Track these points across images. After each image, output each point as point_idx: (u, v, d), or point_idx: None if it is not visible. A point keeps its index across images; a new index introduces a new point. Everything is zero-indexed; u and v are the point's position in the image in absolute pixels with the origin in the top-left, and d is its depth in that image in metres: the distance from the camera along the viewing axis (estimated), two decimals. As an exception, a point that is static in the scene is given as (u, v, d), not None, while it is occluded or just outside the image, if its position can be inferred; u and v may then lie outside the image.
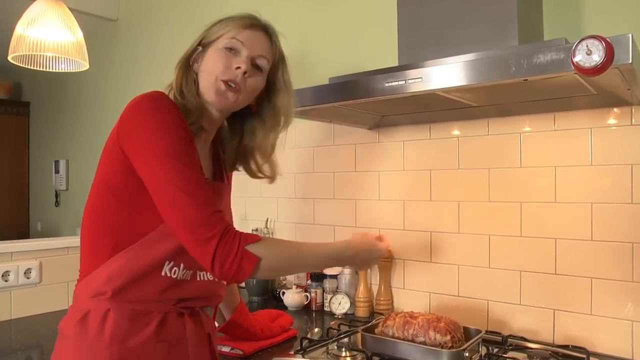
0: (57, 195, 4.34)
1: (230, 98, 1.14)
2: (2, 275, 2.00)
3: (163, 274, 1.09)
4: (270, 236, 2.29)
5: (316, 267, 1.21)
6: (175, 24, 3.02)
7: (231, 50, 1.14)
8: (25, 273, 2.07)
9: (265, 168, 1.30)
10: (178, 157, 1.01)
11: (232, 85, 1.13)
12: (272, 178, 1.32)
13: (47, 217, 4.57)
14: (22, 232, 4.86)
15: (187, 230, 0.99)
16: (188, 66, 1.18)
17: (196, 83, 1.16)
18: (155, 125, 1.03)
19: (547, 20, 1.57)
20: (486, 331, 1.49)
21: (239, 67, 1.12)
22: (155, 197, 1.02)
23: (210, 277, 1.19)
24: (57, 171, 4.24)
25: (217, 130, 1.26)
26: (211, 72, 1.13)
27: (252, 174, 1.32)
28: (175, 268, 1.11)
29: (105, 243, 1.08)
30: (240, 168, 1.33)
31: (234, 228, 1.04)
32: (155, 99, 1.06)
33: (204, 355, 1.19)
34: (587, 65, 0.97)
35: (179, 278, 1.12)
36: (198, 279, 1.16)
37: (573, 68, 1.00)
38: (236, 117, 1.27)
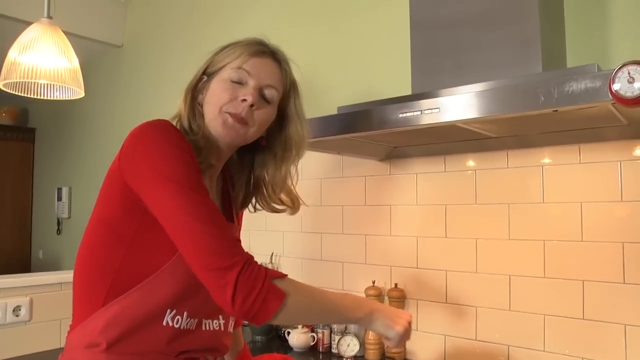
0: (59, 223, 4.29)
1: (239, 131, 1.05)
2: (-11, 313, 1.90)
3: (164, 323, 1.00)
4: (275, 271, 2.19)
5: (341, 311, 1.05)
6: (181, 50, 2.99)
7: (237, 80, 1.05)
8: (14, 310, 1.96)
9: (282, 199, 1.20)
10: (187, 184, 0.93)
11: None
12: (293, 208, 1.22)
13: (49, 245, 4.52)
14: (24, 259, 4.84)
15: (203, 259, 0.90)
16: (194, 97, 1.10)
17: (202, 116, 1.08)
18: (161, 152, 0.95)
19: (570, 44, 1.48)
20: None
21: (244, 100, 1.03)
22: (168, 229, 0.93)
23: (217, 327, 1.10)
24: (59, 199, 4.21)
25: (224, 166, 1.17)
26: (216, 103, 1.05)
27: (270, 208, 1.22)
28: (178, 317, 1.01)
29: (100, 286, 1.00)
30: (256, 205, 1.23)
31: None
32: (158, 125, 0.98)
33: None
34: (628, 94, 0.87)
35: (182, 328, 1.02)
36: (204, 328, 1.07)
37: (611, 97, 0.90)
38: (245, 150, 1.18)
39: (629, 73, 0.86)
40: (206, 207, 0.93)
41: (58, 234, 4.30)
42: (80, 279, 1.05)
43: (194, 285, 0.96)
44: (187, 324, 1.03)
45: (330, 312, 1.04)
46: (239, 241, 0.95)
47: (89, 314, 1.00)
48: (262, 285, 0.89)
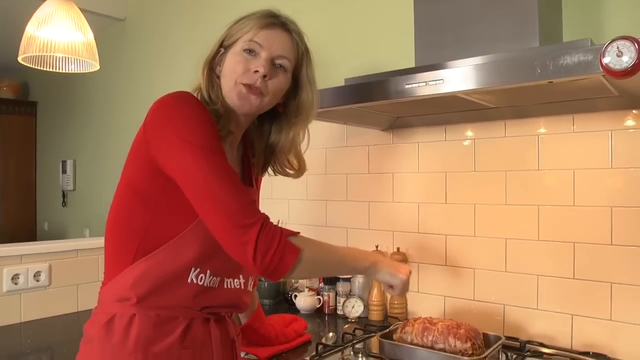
0: (64, 195, 4.34)
1: (253, 102, 1.10)
2: (12, 278, 1.99)
3: (189, 281, 1.07)
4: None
5: (349, 262, 1.13)
6: (184, 23, 3.00)
7: (250, 52, 1.10)
8: (34, 276, 2.05)
9: (290, 162, 1.26)
10: (209, 148, 0.98)
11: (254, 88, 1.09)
12: (298, 172, 1.28)
13: (54, 217, 4.57)
14: (30, 232, 4.87)
15: (225, 218, 0.94)
16: (211, 69, 1.15)
17: (220, 87, 1.13)
18: (183, 119, 1.00)
19: (566, 20, 1.54)
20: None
21: (257, 71, 1.08)
22: (188, 189, 0.99)
23: (237, 285, 1.17)
24: (64, 171, 4.24)
25: (245, 133, 1.23)
26: (231, 76, 1.10)
27: (278, 170, 1.28)
28: (201, 275, 1.08)
29: (129, 247, 1.06)
30: (270, 171, 1.29)
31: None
32: (181, 96, 1.04)
33: None
34: (617, 67, 0.94)
35: (205, 285, 1.09)
36: (225, 286, 1.14)
37: (601, 70, 0.98)
38: (264, 117, 1.23)
39: (618, 48, 0.94)
40: (225, 169, 0.98)
41: (63, 206, 4.35)
42: (110, 239, 1.11)
43: (216, 246, 1.00)
44: (210, 282, 1.09)
45: (341, 264, 1.13)
46: (256, 202, 1.01)
47: (119, 271, 1.06)
48: (278, 242, 0.94)
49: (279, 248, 0.95)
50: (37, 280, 2.05)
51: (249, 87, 1.08)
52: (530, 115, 1.61)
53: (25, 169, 4.94)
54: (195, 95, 1.11)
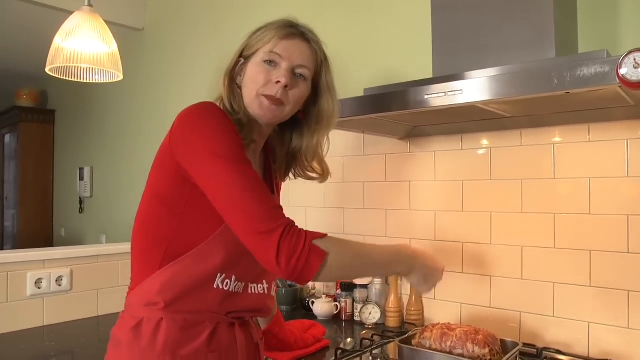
0: (81, 202, 4.40)
1: (275, 112, 1.13)
2: (36, 283, 2.03)
3: (215, 286, 1.10)
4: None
5: (380, 265, 1.13)
6: (201, 33, 3.03)
7: (270, 63, 1.12)
8: (57, 280, 2.09)
9: (314, 167, 1.28)
10: (234, 158, 1.00)
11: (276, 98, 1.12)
12: (322, 176, 1.30)
13: (71, 224, 4.63)
14: (47, 238, 4.94)
15: (249, 225, 0.96)
16: (232, 79, 1.17)
17: (242, 97, 1.16)
18: (209, 129, 1.03)
19: (582, 30, 1.56)
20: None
21: (278, 82, 1.10)
22: (215, 199, 1.01)
23: (261, 290, 1.19)
24: (81, 178, 4.31)
25: (267, 141, 1.26)
26: (252, 87, 1.12)
27: (305, 176, 1.29)
28: (227, 280, 1.11)
29: (155, 253, 1.09)
30: (291, 175, 1.31)
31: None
32: (206, 107, 1.07)
33: None
34: (634, 78, 0.97)
35: (231, 290, 1.12)
36: (250, 291, 1.16)
37: (618, 81, 1.00)
38: (285, 125, 1.25)
39: (634, 59, 0.96)
40: (251, 177, 1.00)
41: (80, 213, 4.41)
42: (137, 246, 1.14)
43: (240, 252, 1.03)
44: (235, 287, 1.12)
45: (370, 267, 1.13)
46: (281, 208, 1.02)
47: (146, 277, 1.09)
48: (303, 246, 0.95)
49: (304, 252, 0.95)
50: (59, 285, 2.10)
51: (271, 98, 1.10)
52: (545, 124, 1.62)
53: (43, 175, 5.02)
54: (218, 105, 1.13)
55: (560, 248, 1.60)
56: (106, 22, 2.96)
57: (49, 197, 5.04)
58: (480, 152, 1.78)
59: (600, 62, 1.03)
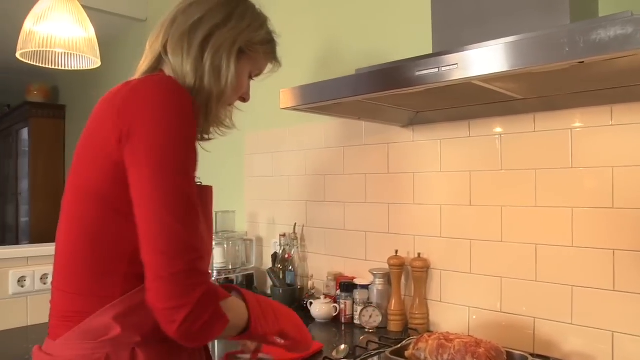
0: (91, 198, 4.34)
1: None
2: (18, 281, 1.95)
3: None
4: (297, 243, 2.19)
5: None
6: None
7: (251, 78, 1.18)
8: (41, 278, 2.02)
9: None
10: (182, 171, 0.89)
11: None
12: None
13: (82, 220, 4.58)
14: (59, 233, 4.92)
15: (161, 281, 0.84)
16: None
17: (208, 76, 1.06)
18: (170, 132, 0.89)
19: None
20: (532, 354, 1.32)
21: (244, 99, 1.18)
22: (140, 212, 0.87)
23: None
24: (91, 174, 4.25)
25: None
26: (236, 93, 1.14)
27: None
28: None
29: (112, 273, 0.93)
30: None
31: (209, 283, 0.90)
32: (173, 99, 0.92)
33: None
34: (662, 39, 0.79)
35: None
36: None
37: (645, 44, 0.83)
38: None
39: (663, 16, 0.79)
40: (189, 206, 0.88)
41: (90, 209, 4.37)
42: (83, 262, 0.93)
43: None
44: None
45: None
46: (203, 251, 0.90)
47: (97, 307, 0.91)
48: (207, 320, 0.87)
49: (206, 323, 0.88)
50: (44, 283, 2.04)
51: (230, 105, 1.17)
52: (562, 107, 1.46)
53: (54, 171, 5.06)
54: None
55: (579, 247, 1.45)
56: (109, 13, 2.88)
57: (60, 193, 4.98)
58: (490, 139, 1.63)
59: (622, 23, 0.85)
